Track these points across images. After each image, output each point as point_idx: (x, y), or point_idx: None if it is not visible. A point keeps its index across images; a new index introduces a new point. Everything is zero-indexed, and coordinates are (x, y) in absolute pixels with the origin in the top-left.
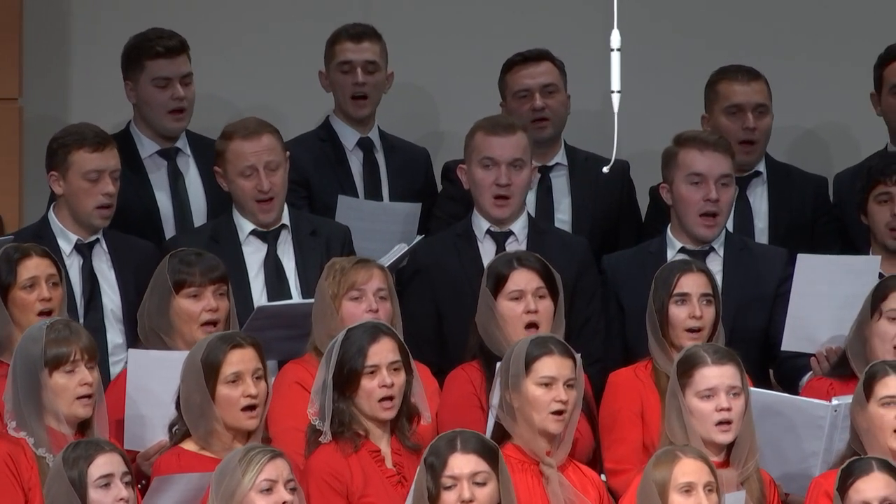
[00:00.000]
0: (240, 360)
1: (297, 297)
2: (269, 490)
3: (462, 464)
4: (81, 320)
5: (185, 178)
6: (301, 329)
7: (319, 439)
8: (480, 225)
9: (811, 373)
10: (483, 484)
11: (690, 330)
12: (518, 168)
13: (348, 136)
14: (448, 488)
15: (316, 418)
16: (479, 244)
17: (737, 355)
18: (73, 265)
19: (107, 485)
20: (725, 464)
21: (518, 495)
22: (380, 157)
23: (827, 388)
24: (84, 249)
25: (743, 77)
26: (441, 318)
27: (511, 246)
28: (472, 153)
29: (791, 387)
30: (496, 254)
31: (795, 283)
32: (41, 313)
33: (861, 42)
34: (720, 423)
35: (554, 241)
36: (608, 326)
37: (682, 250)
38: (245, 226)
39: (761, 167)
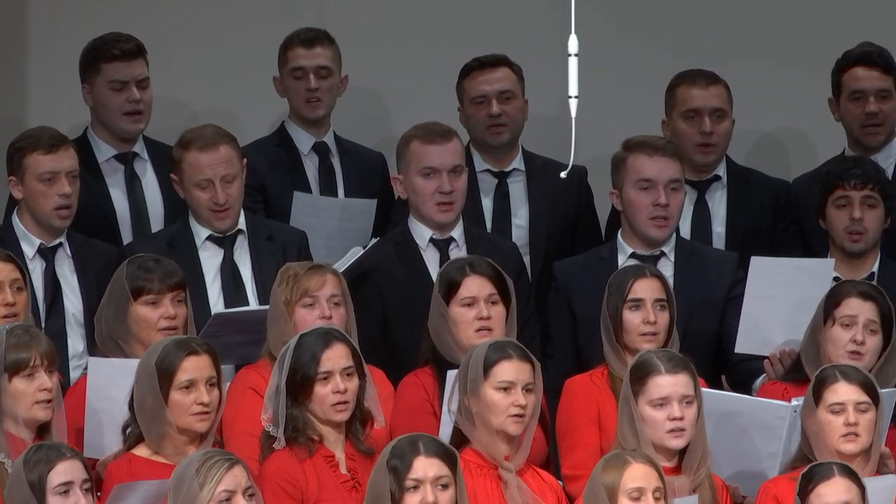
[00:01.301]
0: (195, 367)
1: (253, 302)
2: (227, 501)
3: (426, 467)
4: (43, 325)
5: (143, 182)
6: (258, 335)
7: (274, 445)
8: (422, 234)
9: (764, 375)
10: (445, 487)
11: (645, 335)
12: (458, 174)
13: (303, 141)
14: (411, 490)
15: (270, 424)
16: (423, 252)
17: (690, 363)
18: (36, 269)
19: (66, 492)
20: (677, 470)
21: (477, 500)
22: (335, 162)
23: (782, 392)
24: (47, 253)
25: (701, 81)
26: (388, 326)
27: (453, 252)
28: (410, 163)
29: (744, 390)
30: (440, 260)
31: (749, 286)
32: (5, 318)
33: (819, 47)
34: (672, 430)
35: (488, 247)
36: (559, 333)
37: (633, 255)
38: (201, 231)
39: (721, 171)
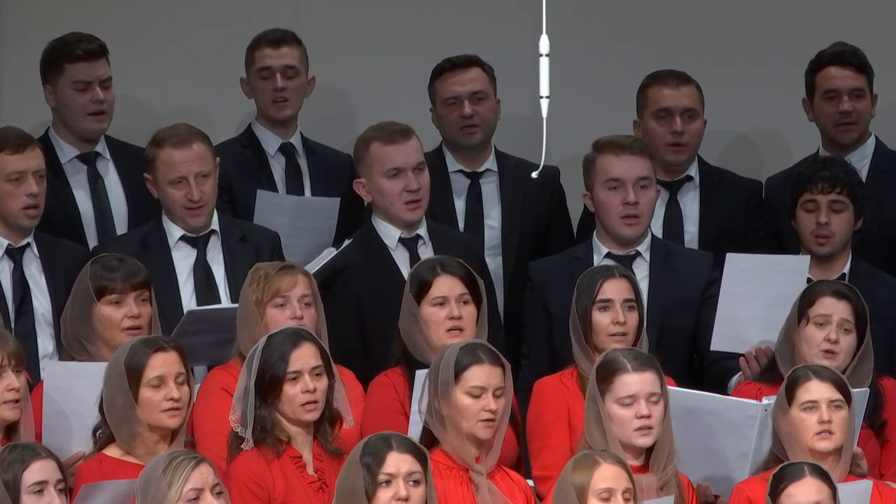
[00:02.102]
0: (163, 363)
1: (226, 302)
2: (196, 499)
3: (399, 462)
4: (12, 325)
5: (105, 182)
6: (230, 334)
7: (241, 446)
8: (390, 234)
9: (739, 374)
10: (417, 484)
11: (614, 335)
12: (421, 171)
13: (270, 142)
14: (384, 485)
15: (238, 425)
16: (392, 252)
17: (656, 361)
18: (4, 270)
19: (40, 491)
20: (644, 468)
21: (447, 501)
22: (302, 163)
23: (756, 393)
24: (15, 254)
25: (672, 81)
26: (363, 327)
27: (421, 249)
28: (373, 165)
29: (719, 389)
30: (410, 258)
31: (724, 283)
32: None
33: (793, 47)
34: (640, 428)
35: (449, 241)
36: (535, 333)
37: (608, 255)
38: (175, 231)
39: (693, 172)
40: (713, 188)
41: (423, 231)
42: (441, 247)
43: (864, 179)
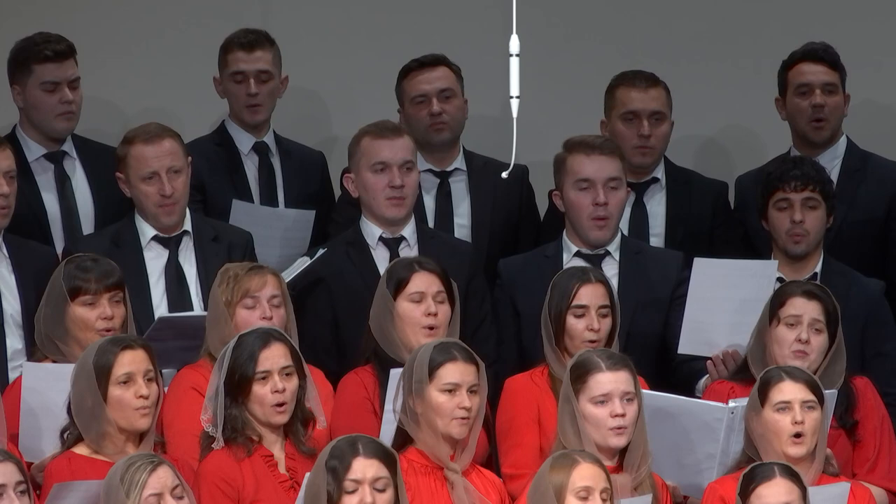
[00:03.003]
0: (131, 361)
1: (197, 303)
2: None
3: (365, 468)
4: None
5: (72, 181)
6: (200, 340)
7: (212, 445)
8: (372, 232)
9: (707, 376)
10: (383, 490)
11: (587, 342)
12: (408, 170)
13: (243, 141)
14: (350, 492)
15: (209, 425)
16: (373, 251)
17: (630, 361)
18: None
19: (0, 495)
20: (618, 469)
21: (422, 500)
22: (275, 162)
23: (728, 392)
24: None
25: (640, 83)
26: (339, 327)
27: (404, 251)
28: (361, 159)
29: (687, 390)
30: (390, 258)
31: (692, 287)
32: None
33: (763, 47)
34: (614, 428)
35: (442, 246)
36: (503, 330)
37: (577, 254)
38: (147, 231)
39: (660, 174)
40: (680, 190)
41: (408, 232)
42: (429, 249)
43: (835, 179)
